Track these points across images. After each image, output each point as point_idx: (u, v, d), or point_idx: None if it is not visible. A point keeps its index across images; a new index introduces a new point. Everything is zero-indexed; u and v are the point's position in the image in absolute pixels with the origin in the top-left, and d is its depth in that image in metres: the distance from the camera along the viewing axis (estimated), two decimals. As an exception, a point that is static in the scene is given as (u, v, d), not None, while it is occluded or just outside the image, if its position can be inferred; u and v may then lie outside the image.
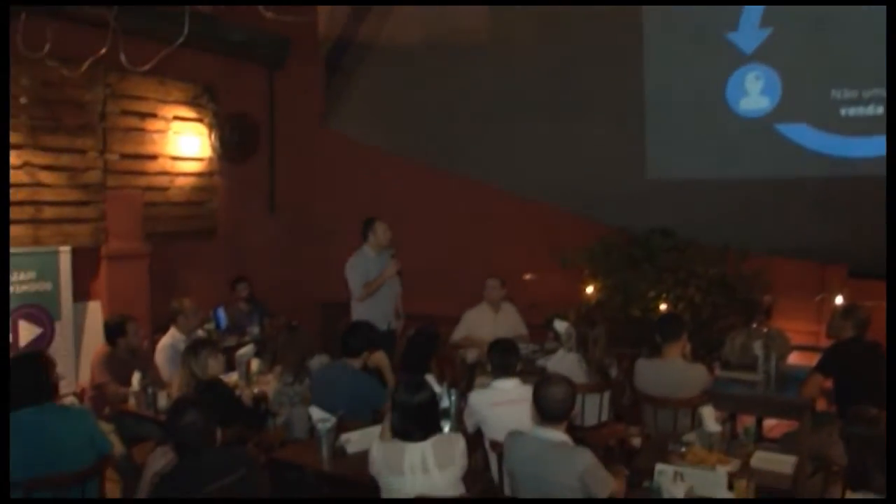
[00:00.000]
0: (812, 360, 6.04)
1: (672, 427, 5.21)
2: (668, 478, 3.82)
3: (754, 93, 7.59)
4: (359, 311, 7.13)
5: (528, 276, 8.88)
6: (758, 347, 5.98)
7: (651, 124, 8.10)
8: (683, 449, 4.32)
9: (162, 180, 8.53)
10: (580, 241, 8.27)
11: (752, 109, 7.61)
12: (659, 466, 3.99)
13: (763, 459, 4.32)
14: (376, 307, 7.09)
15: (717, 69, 7.72)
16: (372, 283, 7.11)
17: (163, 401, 5.62)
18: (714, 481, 3.89)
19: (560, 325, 6.68)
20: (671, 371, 5.43)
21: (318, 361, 5.84)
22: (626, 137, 8.17)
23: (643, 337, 7.27)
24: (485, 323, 7.39)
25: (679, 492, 3.70)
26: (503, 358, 4.83)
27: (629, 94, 8.11)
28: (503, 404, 4.65)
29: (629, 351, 6.96)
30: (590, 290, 8.26)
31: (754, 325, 6.51)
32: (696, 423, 4.84)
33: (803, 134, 7.39)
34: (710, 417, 4.49)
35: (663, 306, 7.64)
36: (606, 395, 5.78)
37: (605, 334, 5.92)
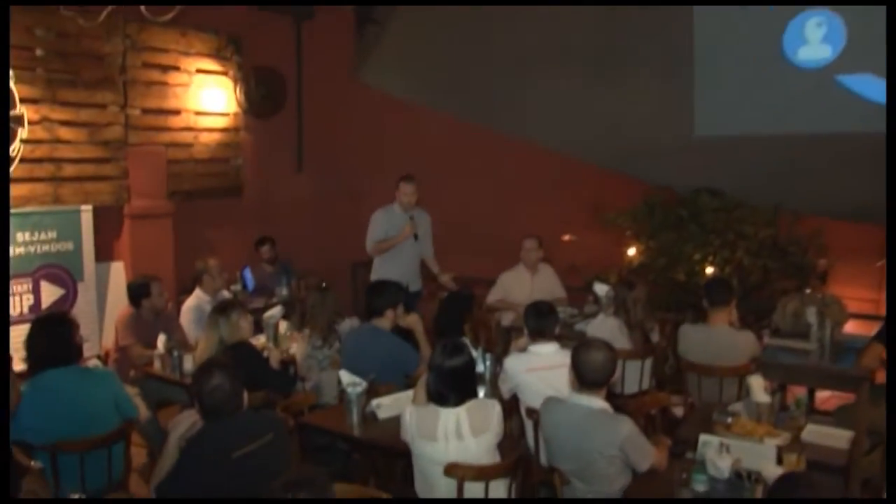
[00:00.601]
0: (871, 329, 5.98)
1: (717, 397, 5.22)
2: (713, 449, 3.81)
3: (815, 41, 7.42)
4: (376, 270, 7.28)
5: (567, 237, 8.88)
6: (811, 314, 5.90)
7: (700, 77, 7.97)
8: (729, 420, 4.27)
9: (185, 136, 8.59)
10: (622, 201, 8.23)
11: (812, 59, 7.46)
12: (703, 437, 4.00)
13: (816, 433, 4.26)
14: (394, 268, 7.14)
15: (775, 16, 7.53)
16: (384, 242, 7.20)
17: (188, 364, 5.72)
18: (762, 454, 3.87)
19: (600, 288, 6.69)
20: (718, 338, 5.42)
21: (348, 324, 5.91)
22: (673, 91, 8.06)
23: (687, 301, 7.28)
24: (521, 285, 7.41)
25: (724, 464, 3.70)
26: (541, 322, 4.84)
27: (676, 45, 8.00)
28: (540, 370, 4.67)
29: (672, 316, 6.96)
30: (632, 251, 8.24)
31: (808, 291, 6.45)
32: (744, 393, 4.82)
33: (867, 85, 7.22)
34: (758, 387, 4.44)
35: (709, 270, 7.61)
36: (648, 361, 5.81)
37: (644, 296, 5.92)
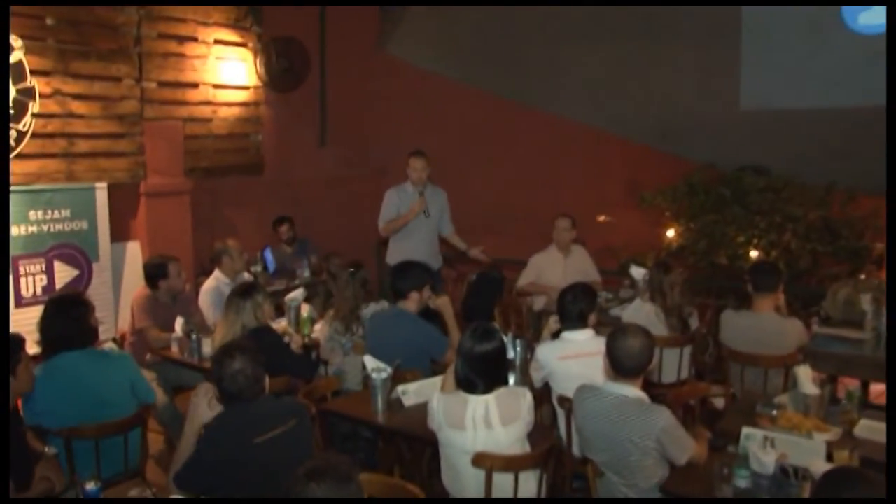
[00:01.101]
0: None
1: (761, 387, 5.17)
2: (757, 443, 3.75)
3: (878, 4, 7.21)
4: (390, 251, 7.35)
5: (602, 218, 8.84)
6: (866, 302, 5.78)
7: (747, 45, 7.85)
8: (774, 412, 4.21)
9: (204, 111, 8.62)
10: (661, 180, 8.18)
11: (874, 24, 7.28)
12: (746, 430, 3.95)
13: (870, 429, 4.16)
14: (407, 247, 7.19)
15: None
16: (394, 221, 7.24)
17: (207, 347, 5.75)
18: (810, 450, 3.80)
19: (637, 272, 6.66)
20: (763, 325, 5.37)
21: (372, 309, 5.90)
22: (717, 62, 7.98)
23: (729, 287, 7.23)
24: (554, 267, 7.39)
25: (769, 459, 3.64)
26: (576, 306, 4.82)
27: (720, 11, 7.89)
28: (573, 357, 4.66)
29: (713, 302, 6.91)
30: (671, 233, 8.19)
31: (862, 277, 6.36)
32: (790, 384, 4.76)
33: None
34: (806, 378, 4.36)
35: (754, 253, 7.54)
36: (687, 349, 5.77)
37: (681, 281, 5.88)
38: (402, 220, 7.23)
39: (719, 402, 5.42)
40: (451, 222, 7.53)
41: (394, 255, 7.21)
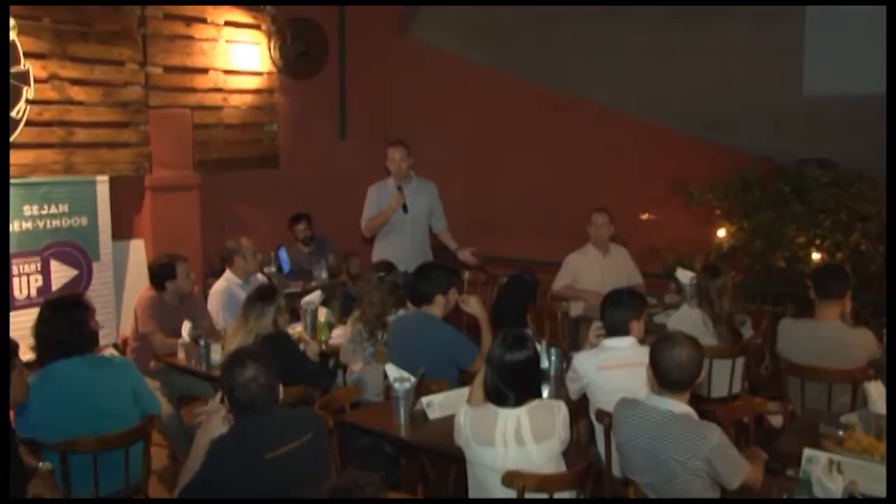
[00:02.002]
0: None
1: (825, 405, 5.09)
2: (821, 467, 3.66)
3: None
4: (374, 251, 7.42)
5: (645, 216, 8.79)
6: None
7: (812, 24, 7.73)
8: (841, 433, 4.12)
9: (214, 98, 8.64)
10: (711, 174, 8.11)
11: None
12: (808, 452, 3.85)
13: None
14: (388, 247, 7.25)
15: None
16: (374, 219, 7.31)
17: (216, 354, 5.78)
18: (883, 477, 3.67)
19: (684, 276, 6.61)
20: (827, 335, 5.28)
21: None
22: (775, 43, 7.87)
23: (788, 292, 7.15)
24: (591, 268, 7.35)
25: (836, 486, 3.56)
26: (621, 312, 4.77)
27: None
28: (614, 367, 4.62)
29: (769, 309, 6.84)
30: (722, 233, 8.13)
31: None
32: (859, 402, 4.68)
33: None
34: (879, 396, 4.23)
35: (816, 255, 7.45)
36: (740, 361, 5.71)
37: (731, 286, 5.82)
38: (379, 218, 7.30)
39: (776, 420, 5.35)
40: (443, 217, 7.56)
41: (377, 255, 7.27)
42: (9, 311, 6.46)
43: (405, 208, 7.26)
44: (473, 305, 5.49)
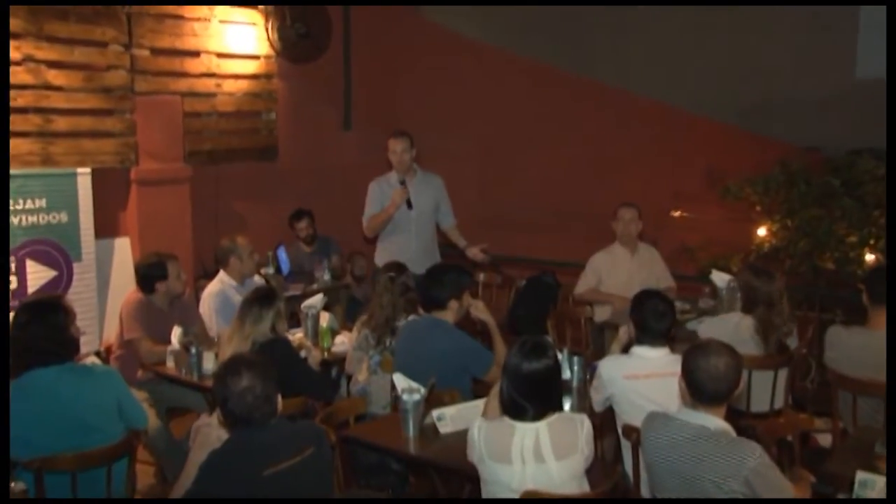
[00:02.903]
0: None
1: (880, 422, 5.06)
2: (877, 492, 3.63)
3: None
4: (378, 252, 7.42)
5: (676, 213, 8.77)
6: None
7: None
8: (900, 454, 4.14)
9: (206, 84, 8.64)
10: (750, 167, 8.09)
11: None
12: (861, 476, 3.82)
13: None
14: (392, 247, 7.26)
15: None
16: (375, 217, 7.30)
17: (209, 362, 5.77)
18: None
19: (720, 278, 6.58)
20: (882, 345, 5.22)
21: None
22: (824, 22, 7.83)
23: (837, 297, 7.11)
24: (618, 269, 7.33)
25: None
26: (664, 322, 4.74)
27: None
28: (643, 377, 4.61)
29: (816, 315, 6.80)
30: (762, 231, 8.10)
31: None
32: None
33: None
34: None
35: (870, 256, 7.42)
36: (783, 372, 5.67)
37: (784, 292, 5.79)
38: (381, 216, 7.28)
39: (824, 439, 5.34)
40: (451, 213, 7.56)
41: (381, 256, 7.28)
42: (8, 311, 6.44)
43: (409, 204, 7.25)
44: (481, 310, 5.51)
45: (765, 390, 5.60)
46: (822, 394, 5.69)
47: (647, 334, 4.75)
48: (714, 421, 3.78)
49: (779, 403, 5.66)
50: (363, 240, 7.93)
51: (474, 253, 7.42)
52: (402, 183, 7.25)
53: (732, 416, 3.94)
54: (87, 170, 7.46)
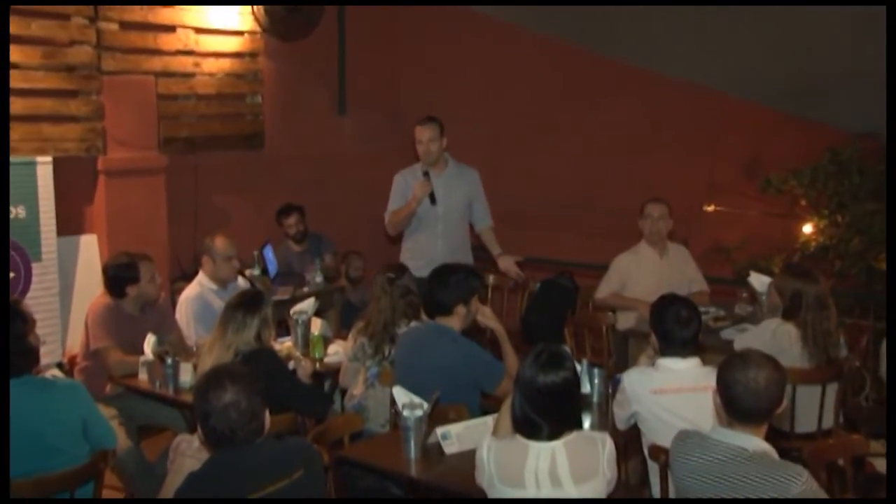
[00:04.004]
0: None
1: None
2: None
3: None
4: (402, 253, 7.46)
5: (710, 208, 8.76)
6: None
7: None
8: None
9: (183, 63, 8.61)
10: (795, 156, 8.09)
11: None
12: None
13: None
14: (418, 247, 7.30)
15: None
16: (397, 213, 7.30)
17: (187, 375, 5.78)
18: None
19: (759, 281, 6.58)
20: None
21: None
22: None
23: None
24: (645, 272, 7.33)
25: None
26: (688, 329, 4.74)
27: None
28: (673, 391, 4.60)
29: (871, 323, 6.78)
30: (808, 229, 8.10)
31: None
32: None
33: None
34: None
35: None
36: (833, 387, 5.67)
37: (830, 296, 5.77)
38: (403, 211, 7.29)
39: (880, 464, 5.31)
40: (487, 213, 7.56)
41: (405, 257, 7.31)
42: (8, 312, 6.42)
43: (432, 199, 7.23)
44: (489, 317, 5.52)
45: (812, 408, 5.59)
46: (878, 412, 5.67)
47: (671, 344, 4.74)
48: (753, 441, 3.77)
49: (828, 423, 5.65)
50: (386, 239, 7.91)
51: (507, 266, 7.47)
52: (426, 175, 7.23)
53: (774, 438, 3.94)
54: (48, 158, 7.41)
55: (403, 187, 7.35)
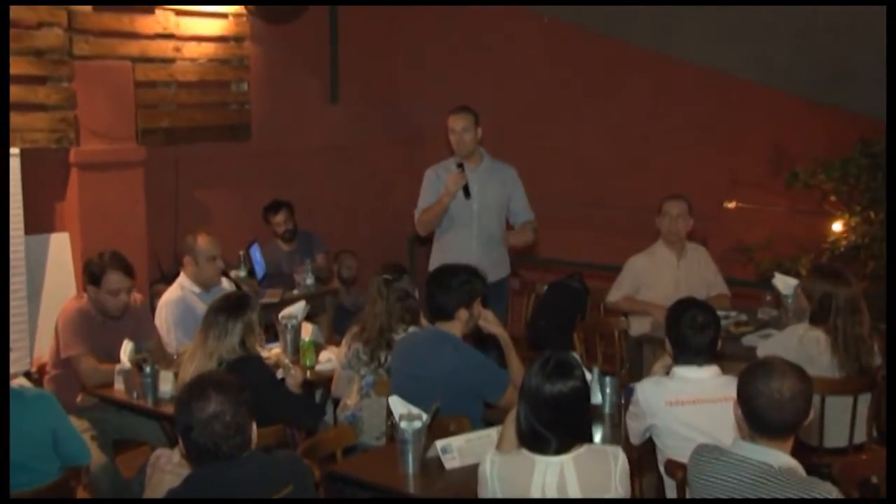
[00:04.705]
0: None
1: None
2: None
3: None
4: (432, 255, 7.43)
5: (731, 204, 8.75)
6: None
7: None
8: None
9: (163, 48, 8.61)
10: (824, 148, 8.08)
11: None
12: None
13: None
14: (450, 247, 7.27)
15: None
16: (429, 210, 7.28)
17: (167, 384, 5.76)
18: None
19: (785, 283, 6.57)
20: None
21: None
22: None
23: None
24: (661, 275, 7.34)
25: None
26: (704, 335, 4.74)
27: None
28: (690, 402, 4.60)
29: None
30: (838, 227, 8.08)
31: None
32: None
33: None
34: None
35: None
36: (865, 398, 5.65)
37: (862, 299, 5.77)
38: (436, 208, 7.25)
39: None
40: (527, 209, 7.52)
41: (436, 258, 7.27)
42: (8, 312, 6.44)
43: (466, 192, 7.17)
44: (492, 322, 5.52)
45: (842, 421, 5.58)
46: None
47: (685, 352, 4.75)
48: (778, 457, 3.76)
49: (860, 437, 5.64)
50: (417, 240, 7.87)
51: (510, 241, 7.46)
52: (460, 167, 7.18)
53: (802, 453, 3.93)
54: (16, 150, 7.42)
55: (435, 183, 7.32)
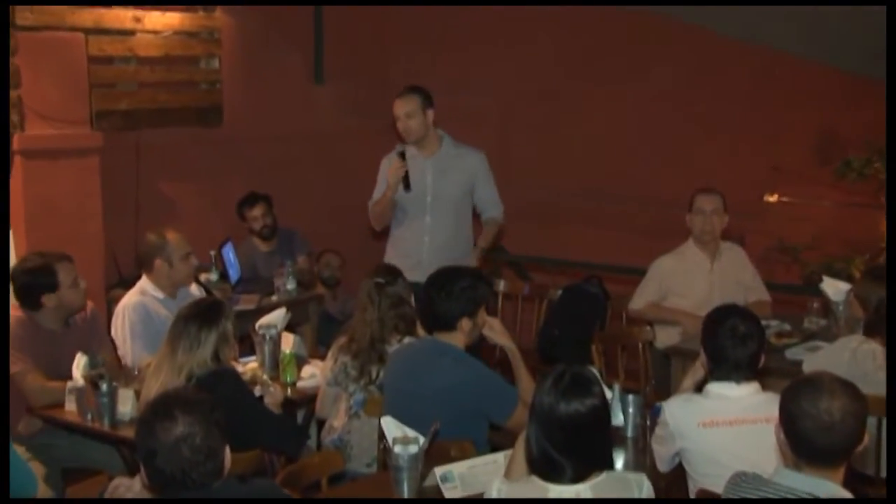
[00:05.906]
0: None
1: None
2: None
3: None
4: (387, 250, 7.55)
5: (772, 198, 8.77)
6: None
7: None
8: None
9: (120, 17, 8.60)
10: (879, 133, 8.07)
11: None
12: None
13: None
14: (399, 244, 7.41)
15: None
16: (378, 202, 7.40)
17: (127, 404, 5.75)
18: None
19: (835, 288, 6.57)
20: None
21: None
22: None
23: None
24: (692, 279, 7.38)
25: None
26: (745, 348, 4.74)
27: None
28: (725, 424, 4.61)
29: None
30: (894, 224, 8.10)
31: None
32: None
33: None
34: None
35: None
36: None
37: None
38: (382, 201, 7.36)
39: None
40: (495, 203, 7.59)
41: (389, 256, 7.40)
42: (8, 310, 6.43)
43: (406, 185, 7.24)
44: (498, 332, 5.54)
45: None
46: None
47: (722, 366, 4.74)
48: (828, 487, 3.74)
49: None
50: (371, 235, 7.91)
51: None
52: (401, 156, 7.23)
53: (855, 483, 3.93)
54: (-48, 136, 7.46)
55: (386, 171, 7.39)
